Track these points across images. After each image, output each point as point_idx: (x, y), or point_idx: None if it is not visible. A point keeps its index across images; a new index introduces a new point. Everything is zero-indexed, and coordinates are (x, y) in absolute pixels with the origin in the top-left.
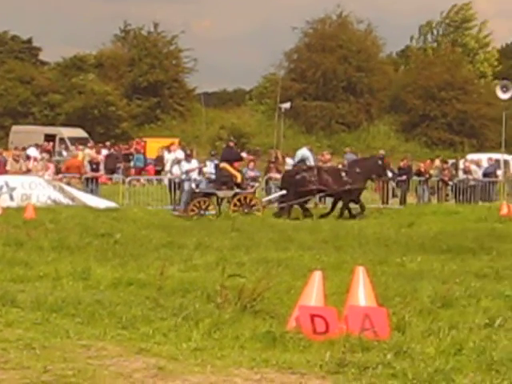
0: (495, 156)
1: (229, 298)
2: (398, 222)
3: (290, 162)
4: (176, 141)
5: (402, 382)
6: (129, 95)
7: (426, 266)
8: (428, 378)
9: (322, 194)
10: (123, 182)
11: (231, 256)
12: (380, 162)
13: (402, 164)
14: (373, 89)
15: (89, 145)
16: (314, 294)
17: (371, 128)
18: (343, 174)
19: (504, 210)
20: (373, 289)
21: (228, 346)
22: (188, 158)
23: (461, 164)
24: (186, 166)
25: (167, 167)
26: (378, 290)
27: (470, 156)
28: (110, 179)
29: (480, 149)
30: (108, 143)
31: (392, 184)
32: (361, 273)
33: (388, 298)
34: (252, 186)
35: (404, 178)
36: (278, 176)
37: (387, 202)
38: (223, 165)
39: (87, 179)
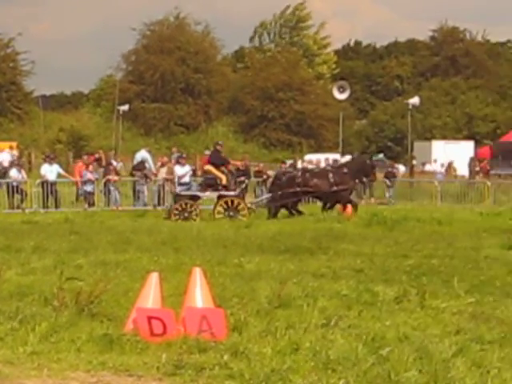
0: (333, 156)
1: (66, 301)
2: (236, 222)
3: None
4: (14, 144)
5: (238, 383)
6: None
7: (263, 267)
8: (265, 378)
9: (308, 196)
10: None
11: (69, 259)
12: (368, 162)
13: (240, 165)
14: (211, 90)
15: None
16: (151, 295)
17: (210, 129)
18: (330, 175)
19: (342, 210)
20: (210, 290)
21: (65, 350)
22: (181, 162)
23: (299, 164)
24: (179, 170)
25: None
26: (216, 291)
27: (308, 156)
28: None
29: (318, 149)
30: None
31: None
32: (198, 274)
33: (226, 299)
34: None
35: (242, 178)
36: (117, 178)
37: None
38: (208, 167)
39: None
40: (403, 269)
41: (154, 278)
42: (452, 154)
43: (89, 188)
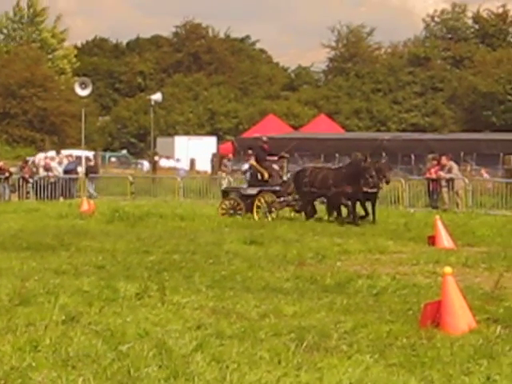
0: (76, 152)
1: None
2: None
3: None
4: None
5: None
6: None
7: (5, 264)
8: (4, 375)
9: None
10: None
11: None
12: (362, 164)
13: None
14: None
15: None
16: None
17: None
18: (331, 175)
19: (84, 207)
20: None
21: None
22: (248, 158)
23: (41, 161)
24: (244, 166)
25: None
26: None
27: (51, 153)
28: None
29: (61, 146)
30: None
31: None
32: None
33: None
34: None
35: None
36: None
37: None
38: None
39: None
40: (145, 265)
41: None
42: (195, 150)
43: None
